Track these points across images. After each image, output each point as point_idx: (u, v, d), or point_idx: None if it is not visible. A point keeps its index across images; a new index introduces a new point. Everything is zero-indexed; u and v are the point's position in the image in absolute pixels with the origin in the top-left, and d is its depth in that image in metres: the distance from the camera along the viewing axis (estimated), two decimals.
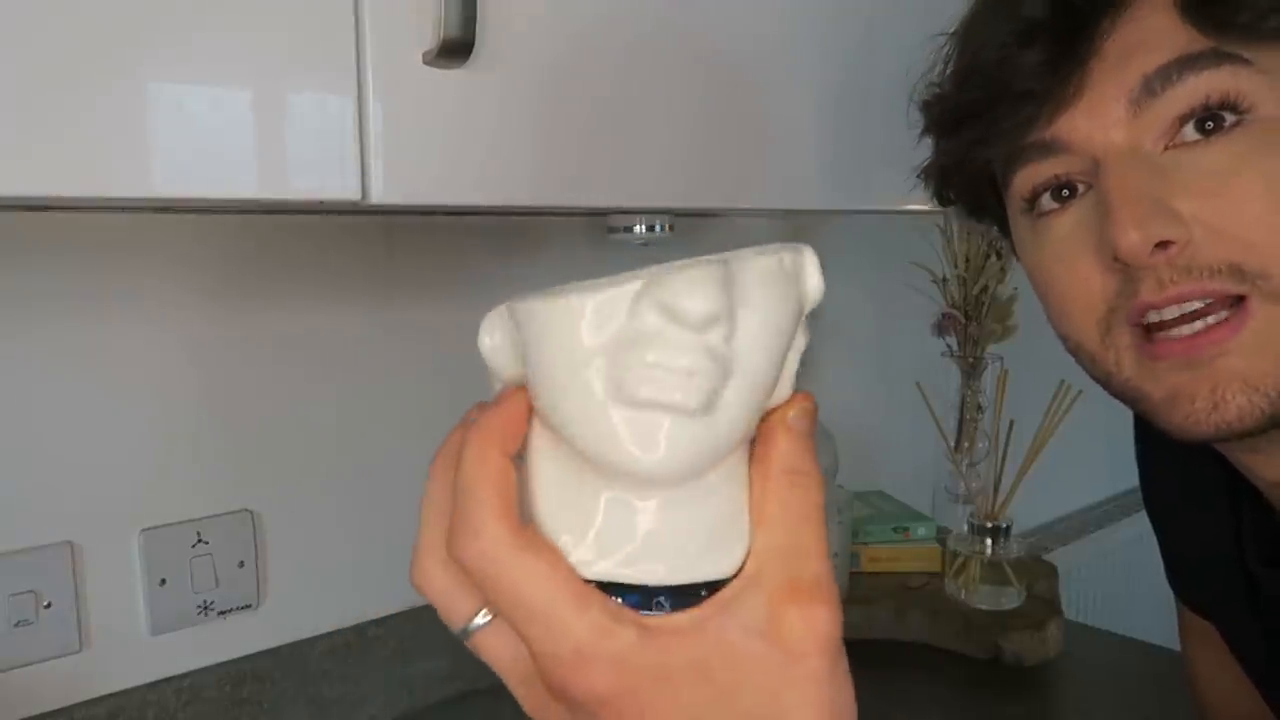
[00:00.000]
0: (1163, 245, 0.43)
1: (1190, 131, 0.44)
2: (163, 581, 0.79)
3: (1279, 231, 0.42)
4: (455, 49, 0.50)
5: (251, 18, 0.46)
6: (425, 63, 0.51)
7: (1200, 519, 0.63)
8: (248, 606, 0.84)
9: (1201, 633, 0.69)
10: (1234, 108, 0.43)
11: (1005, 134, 0.48)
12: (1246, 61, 0.43)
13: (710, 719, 0.30)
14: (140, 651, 0.79)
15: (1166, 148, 0.45)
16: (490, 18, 0.52)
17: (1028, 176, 0.50)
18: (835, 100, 0.73)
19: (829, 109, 0.73)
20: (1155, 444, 0.68)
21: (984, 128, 0.49)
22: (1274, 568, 0.57)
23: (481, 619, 0.32)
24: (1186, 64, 0.43)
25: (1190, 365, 0.45)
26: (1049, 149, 0.48)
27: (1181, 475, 0.64)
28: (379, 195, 0.51)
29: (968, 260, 1.14)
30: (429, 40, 0.50)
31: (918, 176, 0.58)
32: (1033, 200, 0.50)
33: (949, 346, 1.18)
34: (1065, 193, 0.49)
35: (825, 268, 0.32)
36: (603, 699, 0.29)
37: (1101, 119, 0.45)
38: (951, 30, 0.53)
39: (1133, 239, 0.43)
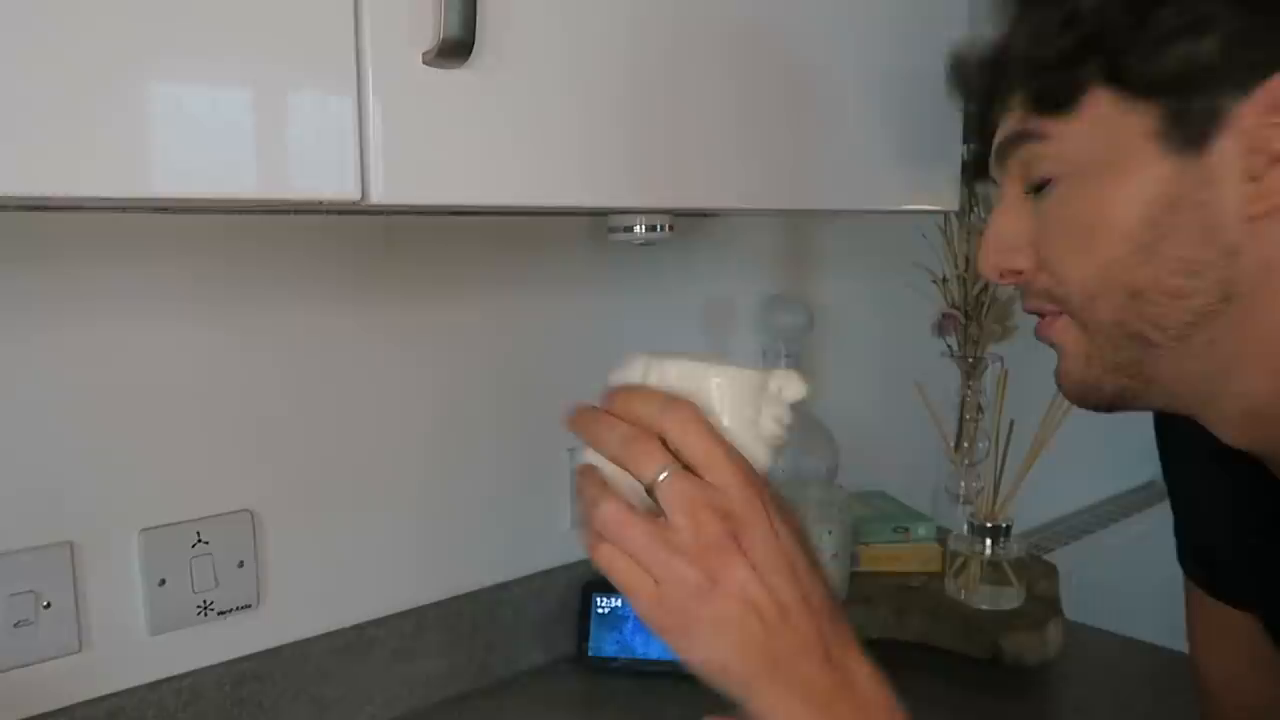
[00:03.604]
0: (1014, 273, 0.56)
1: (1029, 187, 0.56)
2: (162, 581, 0.79)
3: (1076, 267, 0.53)
4: (455, 49, 0.50)
5: (251, 18, 0.46)
6: (425, 63, 0.51)
7: (1231, 510, 0.64)
8: (248, 606, 0.84)
9: (1221, 626, 0.70)
10: (1041, 175, 0.54)
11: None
12: (1042, 136, 0.53)
13: None
14: (140, 651, 0.79)
15: (1026, 193, 0.56)
16: (490, 18, 0.52)
17: None
18: (835, 100, 0.73)
19: (829, 109, 0.73)
20: (1176, 438, 0.68)
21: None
22: None
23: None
24: (1007, 144, 0.55)
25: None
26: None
27: (1203, 472, 0.65)
28: (379, 195, 0.51)
29: (968, 260, 1.14)
30: (429, 40, 0.50)
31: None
32: None
33: (949, 346, 1.18)
34: None
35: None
36: None
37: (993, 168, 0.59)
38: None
39: (984, 269, 0.58)
